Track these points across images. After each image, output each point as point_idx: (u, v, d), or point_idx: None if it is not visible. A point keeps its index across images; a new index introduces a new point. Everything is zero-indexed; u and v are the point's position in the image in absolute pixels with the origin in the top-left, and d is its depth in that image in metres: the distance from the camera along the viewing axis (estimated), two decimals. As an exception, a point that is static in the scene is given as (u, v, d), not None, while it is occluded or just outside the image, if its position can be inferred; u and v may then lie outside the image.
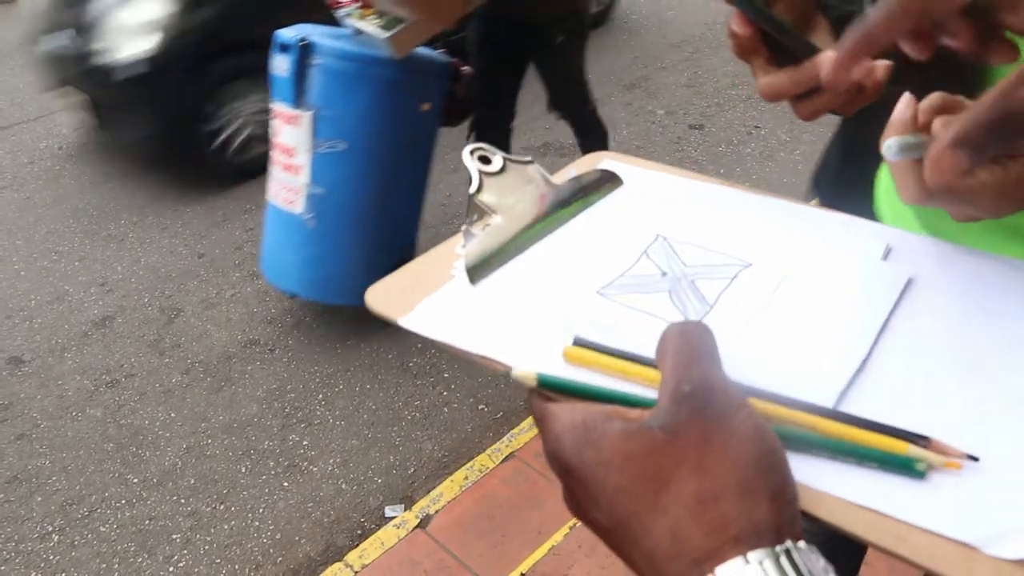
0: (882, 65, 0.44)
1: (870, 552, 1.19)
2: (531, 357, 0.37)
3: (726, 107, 3.81)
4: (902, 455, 0.31)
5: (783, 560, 0.26)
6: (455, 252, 0.45)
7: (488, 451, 2.01)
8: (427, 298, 0.42)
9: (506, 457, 1.97)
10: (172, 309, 2.71)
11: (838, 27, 0.49)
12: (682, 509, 0.27)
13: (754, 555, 0.26)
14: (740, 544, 0.26)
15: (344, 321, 2.54)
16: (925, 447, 0.31)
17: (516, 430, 2.06)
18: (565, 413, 0.33)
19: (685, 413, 0.29)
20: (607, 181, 0.50)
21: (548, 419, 0.33)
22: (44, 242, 3.20)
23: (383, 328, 2.49)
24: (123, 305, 2.75)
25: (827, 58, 0.43)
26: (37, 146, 4.16)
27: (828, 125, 0.90)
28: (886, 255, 0.43)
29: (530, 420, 2.04)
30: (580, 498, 0.32)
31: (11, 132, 4.38)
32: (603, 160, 0.53)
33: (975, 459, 0.31)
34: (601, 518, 0.30)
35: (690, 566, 0.26)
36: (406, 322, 0.41)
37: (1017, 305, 0.39)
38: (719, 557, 0.26)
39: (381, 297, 0.43)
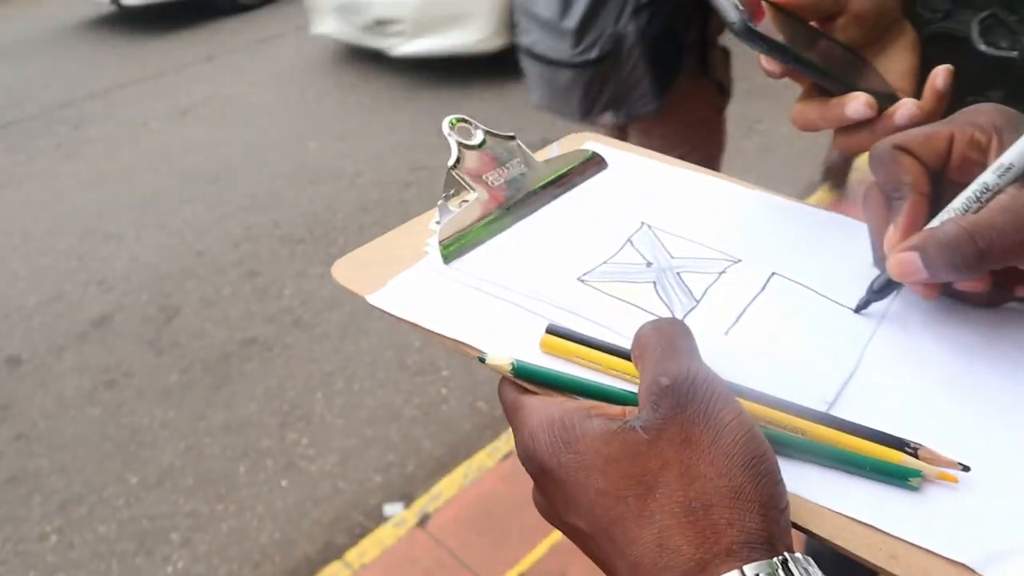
0: (943, 69, 0.42)
1: None
2: (506, 344, 0.35)
3: (726, 102, 3.79)
4: (896, 464, 0.30)
5: (780, 572, 0.25)
6: (429, 227, 0.43)
7: (487, 449, 2.00)
8: (398, 275, 0.40)
9: (505, 455, 1.96)
10: (170, 308, 2.70)
11: (929, 44, 0.47)
12: (669, 518, 0.26)
13: (750, 568, 0.24)
14: (732, 556, 0.25)
15: (342, 319, 2.53)
16: (915, 453, 0.30)
17: (515, 428, 2.05)
18: (541, 408, 0.31)
19: (665, 409, 0.28)
20: (591, 163, 0.48)
21: (522, 413, 0.32)
22: (42, 240, 3.19)
23: (382, 326, 2.48)
24: (121, 304, 2.74)
25: (854, 98, 0.41)
26: (35, 144, 4.15)
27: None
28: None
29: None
30: (556, 501, 0.30)
31: (9, 130, 4.37)
32: (587, 141, 0.51)
33: (966, 468, 0.30)
34: (580, 523, 0.29)
35: None
36: (374, 299, 0.38)
37: (1010, 314, 0.37)
38: (710, 570, 0.25)
39: (348, 271, 0.41)
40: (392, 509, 1.90)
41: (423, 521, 1.82)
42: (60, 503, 2.01)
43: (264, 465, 2.07)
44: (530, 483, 0.33)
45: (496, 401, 2.16)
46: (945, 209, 0.35)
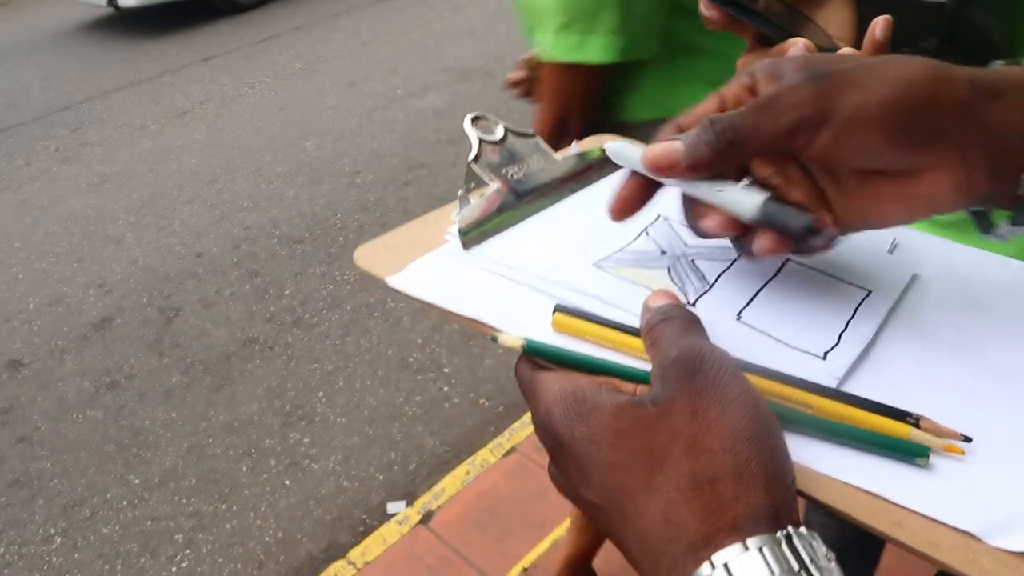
0: (882, 19, 0.43)
1: (885, 557, 1.18)
2: (520, 323, 0.36)
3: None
4: (904, 440, 0.30)
5: (784, 547, 0.25)
6: (451, 218, 0.44)
7: (489, 446, 2.00)
8: (417, 259, 0.41)
9: (507, 452, 1.96)
10: (171, 309, 2.70)
11: (862, 3, 0.48)
12: (676, 491, 0.26)
13: (753, 541, 0.24)
14: (737, 530, 0.25)
15: (343, 319, 2.53)
16: (916, 424, 0.30)
17: (517, 424, 2.05)
18: (555, 382, 0.31)
19: (674, 381, 0.28)
20: (609, 161, 0.49)
21: (537, 389, 0.32)
22: (42, 244, 3.20)
23: (383, 324, 2.48)
24: (122, 306, 2.74)
25: (793, 43, 0.42)
26: (33, 147, 4.15)
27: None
28: (892, 249, 0.42)
29: (531, 414, 2.03)
30: (570, 473, 0.30)
31: (7, 134, 4.37)
32: (606, 141, 0.52)
33: (968, 439, 0.30)
34: (592, 496, 0.29)
35: (686, 551, 0.25)
36: (393, 281, 0.40)
37: (1019, 303, 0.38)
38: (715, 544, 0.25)
39: (371, 255, 0.42)
40: (395, 507, 1.90)
41: (426, 518, 1.83)
42: (63, 505, 2.01)
43: (267, 465, 2.07)
44: (533, 479, 0.33)
45: (497, 397, 2.17)
46: None
